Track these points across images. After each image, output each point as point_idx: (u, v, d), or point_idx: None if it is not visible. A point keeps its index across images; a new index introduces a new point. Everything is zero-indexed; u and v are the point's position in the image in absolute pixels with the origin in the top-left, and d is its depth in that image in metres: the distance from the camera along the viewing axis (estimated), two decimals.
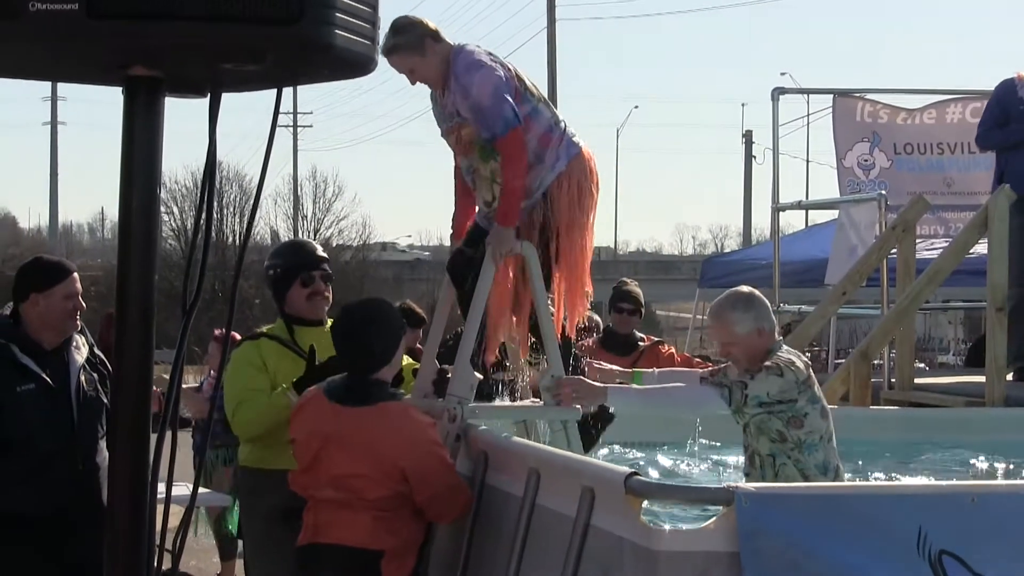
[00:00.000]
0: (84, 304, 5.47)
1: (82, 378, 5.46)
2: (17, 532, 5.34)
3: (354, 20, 2.23)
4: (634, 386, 5.70)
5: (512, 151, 5.69)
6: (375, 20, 2.30)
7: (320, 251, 6.26)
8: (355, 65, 2.27)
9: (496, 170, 5.72)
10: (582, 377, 5.60)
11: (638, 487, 3.92)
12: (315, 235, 49.35)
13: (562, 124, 5.88)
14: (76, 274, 5.54)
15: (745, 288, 5.61)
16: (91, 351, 5.59)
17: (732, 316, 5.47)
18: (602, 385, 5.44)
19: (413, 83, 5.85)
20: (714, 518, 3.91)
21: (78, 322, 5.51)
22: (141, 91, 2.34)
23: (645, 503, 3.98)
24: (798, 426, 5.38)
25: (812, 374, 5.40)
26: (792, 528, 3.84)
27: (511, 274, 5.96)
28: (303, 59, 2.27)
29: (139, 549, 2.39)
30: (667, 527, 4.02)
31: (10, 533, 5.32)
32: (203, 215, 2.40)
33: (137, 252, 2.33)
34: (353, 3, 2.23)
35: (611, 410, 5.86)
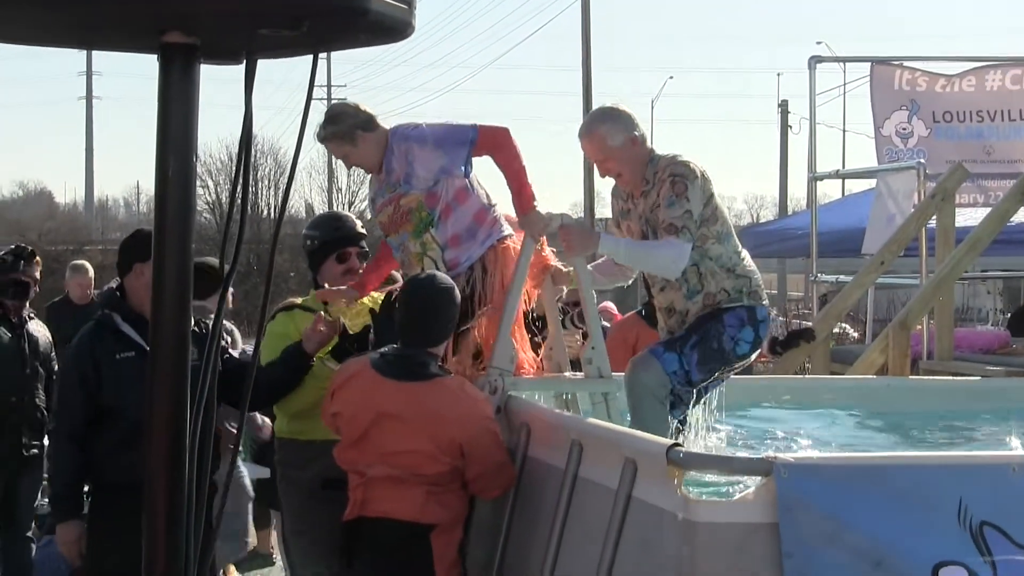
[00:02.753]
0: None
1: None
2: (126, 501, 5.40)
3: None
4: (623, 242, 5.70)
5: (495, 140, 5.70)
6: None
7: (359, 227, 6.24)
8: (392, 30, 2.24)
9: (427, 242, 5.69)
10: (573, 226, 5.59)
11: (679, 458, 3.90)
12: (350, 208, 49.38)
13: (495, 207, 5.87)
14: None
15: (607, 102, 5.67)
16: (197, 323, 5.62)
17: (601, 130, 5.57)
18: (595, 232, 5.60)
19: (348, 168, 5.92)
20: (753, 489, 3.88)
21: None
22: (177, 58, 2.31)
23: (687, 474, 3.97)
24: (714, 221, 5.48)
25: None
26: (831, 499, 3.82)
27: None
28: (339, 24, 2.24)
29: (177, 527, 2.38)
30: (707, 498, 4.01)
31: (120, 501, 5.39)
32: (239, 184, 2.38)
33: (174, 222, 2.31)
34: None
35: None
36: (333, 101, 6.11)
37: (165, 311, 2.31)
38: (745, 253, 5.80)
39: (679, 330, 5.68)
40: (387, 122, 5.84)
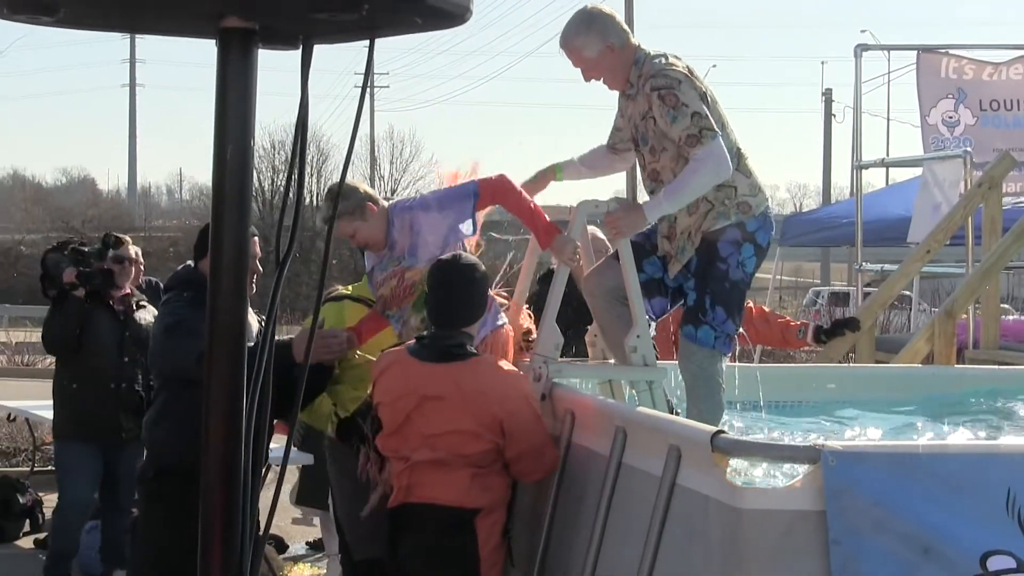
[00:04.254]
0: (260, 268, 5.56)
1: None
2: (179, 488, 5.46)
3: None
4: (665, 190, 5.56)
5: (497, 190, 5.67)
6: None
7: None
8: (449, 15, 2.24)
9: (427, 318, 5.68)
10: (617, 210, 5.56)
11: (725, 445, 3.90)
12: (392, 195, 49.52)
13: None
14: (256, 239, 5.61)
15: (584, 7, 5.59)
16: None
17: (576, 43, 5.54)
18: (639, 206, 5.52)
19: (354, 245, 5.91)
20: (800, 476, 3.87)
21: (254, 285, 5.56)
22: (234, 43, 2.31)
23: (731, 462, 3.96)
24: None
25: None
26: (879, 487, 3.80)
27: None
28: (398, 9, 2.24)
29: (234, 511, 2.40)
30: (753, 485, 4.00)
31: (173, 489, 5.44)
32: (295, 170, 2.39)
33: (232, 208, 2.32)
34: None
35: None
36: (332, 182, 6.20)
37: (222, 297, 2.32)
38: (742, 151, 5.66)
39: (676, 253, 5.68)
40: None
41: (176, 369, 5.60)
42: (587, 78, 5.65)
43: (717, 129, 5.42)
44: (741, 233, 5.60)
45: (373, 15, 2.19)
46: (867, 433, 5.95)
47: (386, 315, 5.88)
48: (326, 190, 5.85)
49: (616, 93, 5.81)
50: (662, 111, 5.43)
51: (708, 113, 5.43)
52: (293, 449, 8.70)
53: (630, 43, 5.58)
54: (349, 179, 5.95)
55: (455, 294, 5.14)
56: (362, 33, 2.38)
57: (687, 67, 5.55)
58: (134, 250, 8.05)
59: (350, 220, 5.75)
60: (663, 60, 5.52)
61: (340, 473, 6.19)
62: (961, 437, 6.09)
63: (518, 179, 5.87)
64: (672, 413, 5.56)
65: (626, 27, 5.67)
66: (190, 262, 5.93)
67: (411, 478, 5.05)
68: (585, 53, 5.52)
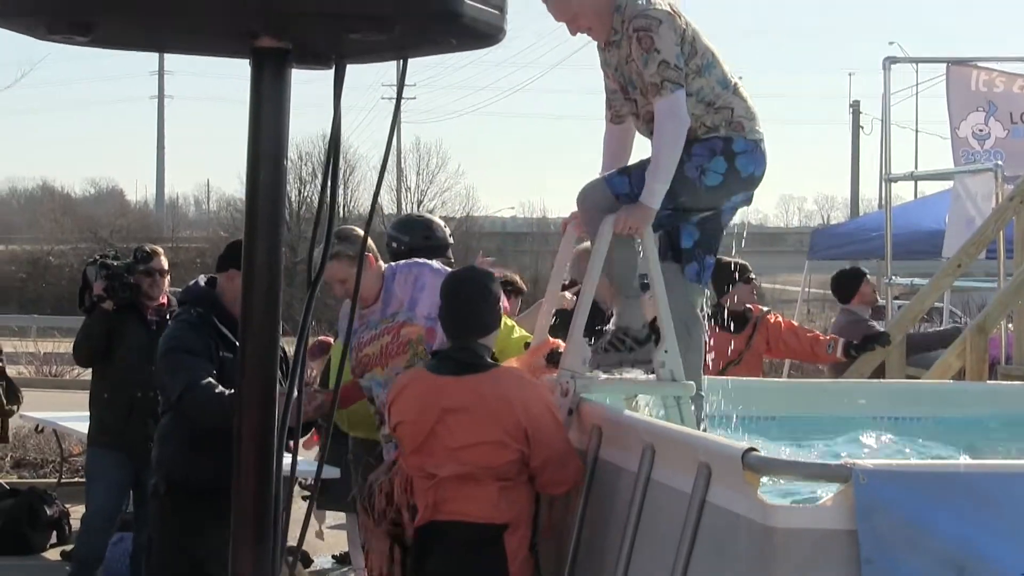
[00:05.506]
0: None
1: None
2: (195, 504, 5.48)
3: None
4: (646, 177, 5.46)
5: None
6: None
7: (448, 235, 6.20)
8: (483, 35, 2.23)
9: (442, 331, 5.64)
10: (620, 214, 5.47)
11: (756, 463, 3.87)
12: (419, 207, 49.59)
13: None
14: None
15: None
16: None
17: None
18: (640, 204, 5.39)
19: (339, 294, 5.90)
20: (831, 495, 3.85)
21: None
22: (268, 63, 2.32)
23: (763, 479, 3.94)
24: (692, 55, 5.43)
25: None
26: (911, 505, 3.78)
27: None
28: (431, 29, 2.23)
29: (265, 524, 2.39)
30: (784, 504, 3.98)
31: (188, 504, 5.46)
32: (328, 188, 2.39)
33: (264, 226, 2.31)
34: None
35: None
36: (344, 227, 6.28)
37: (255, 315, 2.32)
38: (735, 80, 5.61)
39: None
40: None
41: (164, 397, 5.70)
42: (573, 30, 5.60)
43: (681, 82, 5.38)
44: (723, 146, 5.52)
45: (406, 35, 2.19)
46: (899, 449, 5.91)
47: (367, 379, 5.84)
48: (335, 231, 5.80)
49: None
50: (638, 53, 5.41)
51: (678, 62, 5.38)
52: (306, 460, 8.76)
53: None
54: (354, 228, 5.94)
55: (469, 306, 5.14)
56: (394, 53, 2.38)
57: (670, 4, 5.51)
58: (165, 262, 8.11)
59: (348, 265, 5.73)
60: (645, 1, 5.47)
61: (366, 473, 6.19)
62: (993, 455, 6.05)
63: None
64: (701, 428, 5.53)
65: None
66: (202, 277, 5.97)
67: (437, 495, 5.03)
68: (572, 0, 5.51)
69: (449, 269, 5.86)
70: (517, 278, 9.34)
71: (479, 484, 4.96)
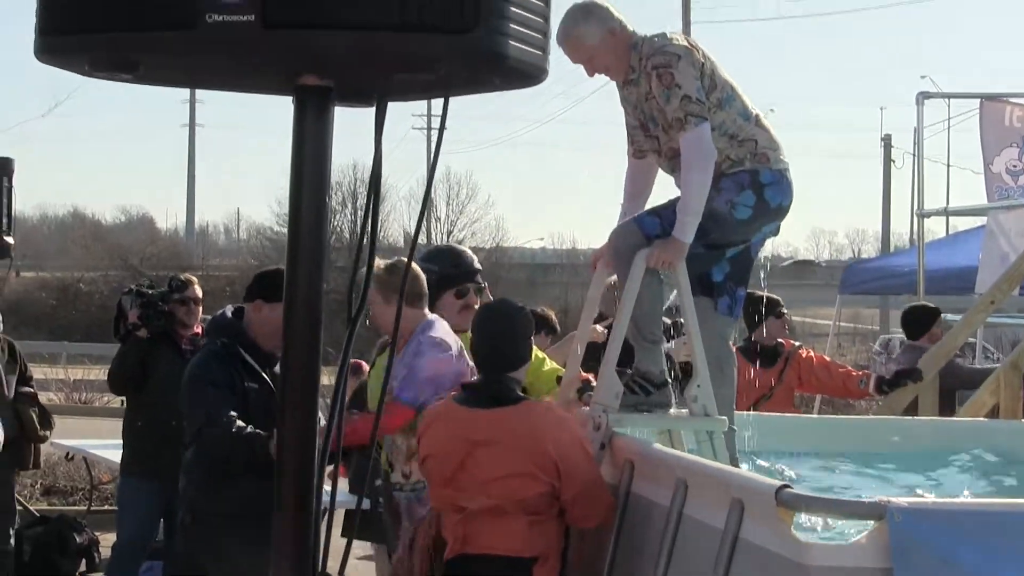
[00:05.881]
0: None
1: None
2: (223, 533, 5.50)
3: (527, 30, 2.20)
4: (677, 212, 5.50)
5: None
6: (547, 30, 2.27)
7: (476, 263, 6.23)
8: (527, 75, 2.24)
9: (413, 446, 5.65)
10: (654, 250, 5.48)
11: (790, 499, 3.86)
12: (448, 237, 49.63)
13: None
14: None
15: (576, 2, 5.59)
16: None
17: (577, 32, 5.55)
18: (673, 239, 5.42)
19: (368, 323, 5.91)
20: (865, 532, 3.83)
21: None
22: (311, 100, 2.33)
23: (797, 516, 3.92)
24: (712, 89, 5.44)
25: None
26: (948, 544, 3.75)
27: None
28: (476, 69, 2.25)
29: (304, 552, 2.40)
30: (818, 541, 3.96)
31: (217, 534, 5.48)
32: (368, 224, 2.40)
33: (306, 261, 2.33)
34: (526, 13, 2.19)
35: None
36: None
37: (296, 348, 2.33)
38: (755, 112, 5.65)
39: None
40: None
41: (187, 429, 5.74)
42: (591, 71, 5.64)
43: (705, 115, 5.42)
44: (751, 179, 5.56)
45: (451, 75, 2.21)
46: (934, 487, 5.87)
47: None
48: (386, 265, 5.83)
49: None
50: (659, 90, 5.45)
51: (700, 96, 5.42)
52: (342, 491, 8.75)
53: (628, 28, 5.60)
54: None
55: (500, 340, 5.14)
56: (438, 91, 2.39)
57: (687, 41, 5.56)
58: (200, 290, 8.15)
59: (384, 296, 5.80)
60: (660, 40, 5.53)
61: (394, 515, 6.18)
62: None
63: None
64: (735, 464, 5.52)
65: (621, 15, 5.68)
66: (229, 307, 6.00)
67: (467, 528, 5.03)
68: (587, 41, 5.54)
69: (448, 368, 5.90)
70: (552, 315, 9.36)
71: (508, 517, 4.95)
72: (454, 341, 5.91)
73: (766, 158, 5.59)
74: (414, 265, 5.63)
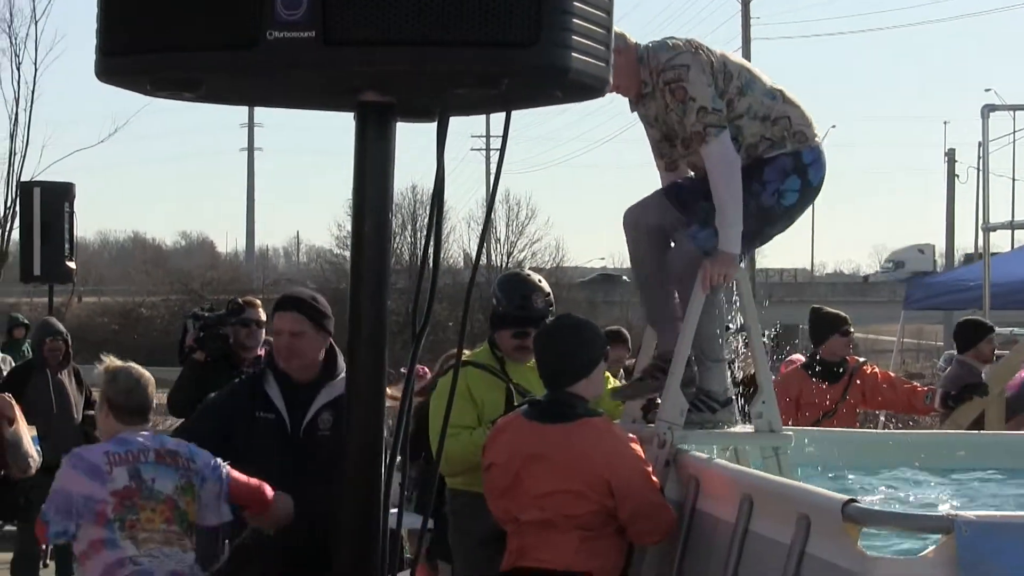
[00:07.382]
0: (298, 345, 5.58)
1: (321, 415, 5.55)
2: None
3: (590, 42, 2.19)
4: (718, 227, 5.45)
5: None
6: (609, 42, 2.26)
7: (545, 304, 6.00)
8: (589, 88, 2.24)
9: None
10: (705, 265, 5.44)
11: (856, 514, 3.82)
12: (508, 258, 49.59)
13: None
14: (292, 313, 5.61)
15: None
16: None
17: None
18: (722, 252, 5.40)
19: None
20: (933, 547, 3.79)
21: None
22: (372, 116, 2.33)
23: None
24: (728, 79, 5.43)
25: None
26: (1015, 557, 3.70)
27: None
28: (538, 83, 2.24)
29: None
30: (885, 555, 3.93)
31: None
32: (431, 240, 2.39)
33: (369, 277, 2.32)
34: (589, 24, 2.19)
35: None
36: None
37: (360, 371, 2.33)
38: (778, 88, 5.59)
39: None
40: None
41: None
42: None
43: (723, 123, 5.40)
44: (794, 163, 5.53)
45: (513, 89, 2.20)
46: (999, 503, 5.80)
47: None
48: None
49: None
50: (675, 105, 5.45)
51: (715, 104, 5.40)
52: (411, 512, 8.75)
53: (630, 42, 5.58)
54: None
55: (560, 356, 5.13)
56: (500, 106, 2.38)
57: (689, 42, 5.52)
58: (263, 313, 8.17)
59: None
60: (666, 50, 5.49)
61: (460, 538, 6.14)
62: None
63: None
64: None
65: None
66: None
67: (522, 541, 5.04)
68: None
69: None
70: (624, 331, 9.33)
71: (560, 532, 4.96)
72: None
73: (804, 136, 5.57)
74: (143, 376, 5.24)
